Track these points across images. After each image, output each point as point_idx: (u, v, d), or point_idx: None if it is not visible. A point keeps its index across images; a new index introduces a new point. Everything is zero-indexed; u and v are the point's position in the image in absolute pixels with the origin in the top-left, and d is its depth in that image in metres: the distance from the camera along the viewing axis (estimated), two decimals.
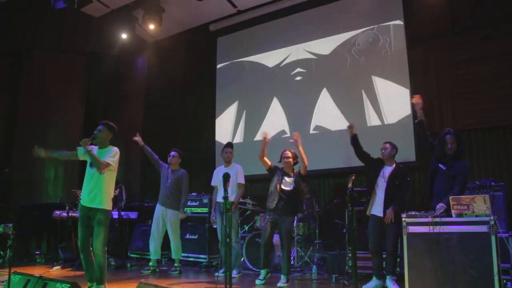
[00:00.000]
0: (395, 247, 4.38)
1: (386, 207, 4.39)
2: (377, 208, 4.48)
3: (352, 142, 4.74)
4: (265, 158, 5.05)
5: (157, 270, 5.80)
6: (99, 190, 3.96)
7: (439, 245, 3.58)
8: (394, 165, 4.58)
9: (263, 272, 4.87)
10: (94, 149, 4.11)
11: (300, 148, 4.91)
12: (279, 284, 4.64)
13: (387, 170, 4.55)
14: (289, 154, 5.01)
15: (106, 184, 4.00)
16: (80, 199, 5.63)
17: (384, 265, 4.48)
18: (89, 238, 3.95)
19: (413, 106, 4.65)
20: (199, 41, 8.61)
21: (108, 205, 4.00)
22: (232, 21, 8.10)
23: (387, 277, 4.37)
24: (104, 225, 3.91)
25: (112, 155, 4.03)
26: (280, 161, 5.07)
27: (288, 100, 7.26)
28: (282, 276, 4.75)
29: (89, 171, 4.06)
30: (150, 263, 5.83)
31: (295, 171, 5.04)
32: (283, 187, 4.91)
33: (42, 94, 8.45)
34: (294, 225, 5.67)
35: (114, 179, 4.11)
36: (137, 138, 5.95)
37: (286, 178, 4.96)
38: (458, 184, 3.93)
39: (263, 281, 4.79)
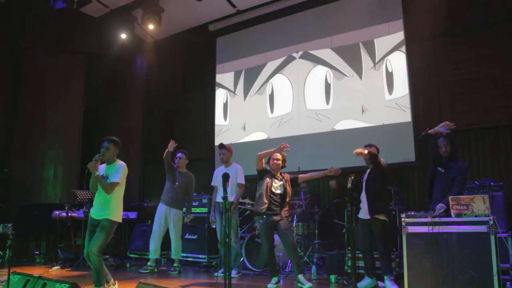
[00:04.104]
0: (385, 245, 4.41)
1: (370, 207, 4.49)
2: (362, 211, 4.60)
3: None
4: (263, 159, 4.89)
5: (156, 270, 5.79)
6: (106, 204, 4.03)
7: (439, 245, 3.60)
8: (372, 166, 4.69)
9: (275, 278, 4.63)
10: (102, 166, 4.17)
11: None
12: (305, 286, 4.45)
13: (366, 173, 4.68)
14: (279, 156, 4.89)
15: (114, 198, 4.06)
16: (79, 198, 5.71)
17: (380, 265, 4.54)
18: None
19: (438, 123, 4.34)
20: (198, 41, 8.60)
21: (114, 216, 4.04)
22: (232, 21, 8.09)
23: (385, 277, 4.38)
24: (106, 231, 3.95)
25: (119, 174, 4.04)
26: (267, 162, 4.94)
27: (288, 100, 7.27)
28: (300, 277, 4.57)
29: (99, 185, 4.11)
30: (149, 263, 5.83)
31: (283, 174, 4.94)
32: (273, 190, 4.78)
33: (41, 94, 8.45)
34: (294, 224, 5.67)
35: (122, 192, 4.16)
36: (172, 145, 5.75)
37: (276, 181, 4.84)
38: (457, 185, 3.97)
39: (275, 285, 4.57)
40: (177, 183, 5.85)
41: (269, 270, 4.75)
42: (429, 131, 4.27)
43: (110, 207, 4.02)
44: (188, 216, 5.91)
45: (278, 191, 4.78)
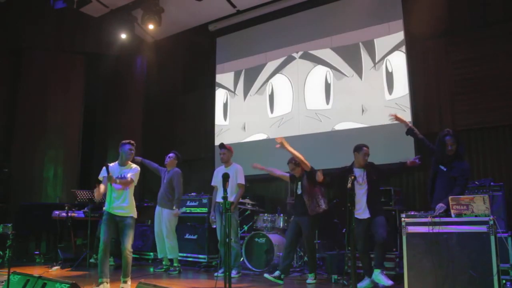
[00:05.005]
0: (384, 237, 4.38)
1: (371, 208, 4.50)
2: (359, 212, 4.52)
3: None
4: (279, 175, 5.37)
5: (171, 268, 5.81)
6: (125, 201, 4.39)
7: (439, 245, 3.59)
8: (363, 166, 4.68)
9: (277, 272, 4.83)
10: (115, 168, 4.50)
11: (290, 149, 4.91)
12: (308, 281, 4.82)
13: (359, 173, 4.57)
14: (294, 164, 5.12)
15: (131, 196, 4.46)
16: (79, 198, 5.80)
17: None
18: (111, 239, 4.38)
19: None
20: (198, 41, 8.61)
21: (134, 212, 4.45)
22: (232, 21, 8.10)
23: (375, 270, 4.37)
24: (132, 227, 4.39)
25: (136, 173, 4.51)
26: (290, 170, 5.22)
27: (288, 100, 7.26)
28: (310, 275, 4.90)
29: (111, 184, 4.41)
30: (163, 262, 5.93)
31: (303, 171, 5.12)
32: (297, 192, 5.08)
33: (41, 94, 8.45)
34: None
35: (133, 188, 4.53)
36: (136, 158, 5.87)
37: (299, 183, 5.09)
38: (459, 185, 3.94)
39: (279, 281, 4.73)
40: (164, 182, 5.94)
41: (282, 262, 4.91)
42: (406, 131, 4.46)
43: (131, 206, 4.42)
44: (174, 208, 5.78)
45: (300, 192, 5.05)
